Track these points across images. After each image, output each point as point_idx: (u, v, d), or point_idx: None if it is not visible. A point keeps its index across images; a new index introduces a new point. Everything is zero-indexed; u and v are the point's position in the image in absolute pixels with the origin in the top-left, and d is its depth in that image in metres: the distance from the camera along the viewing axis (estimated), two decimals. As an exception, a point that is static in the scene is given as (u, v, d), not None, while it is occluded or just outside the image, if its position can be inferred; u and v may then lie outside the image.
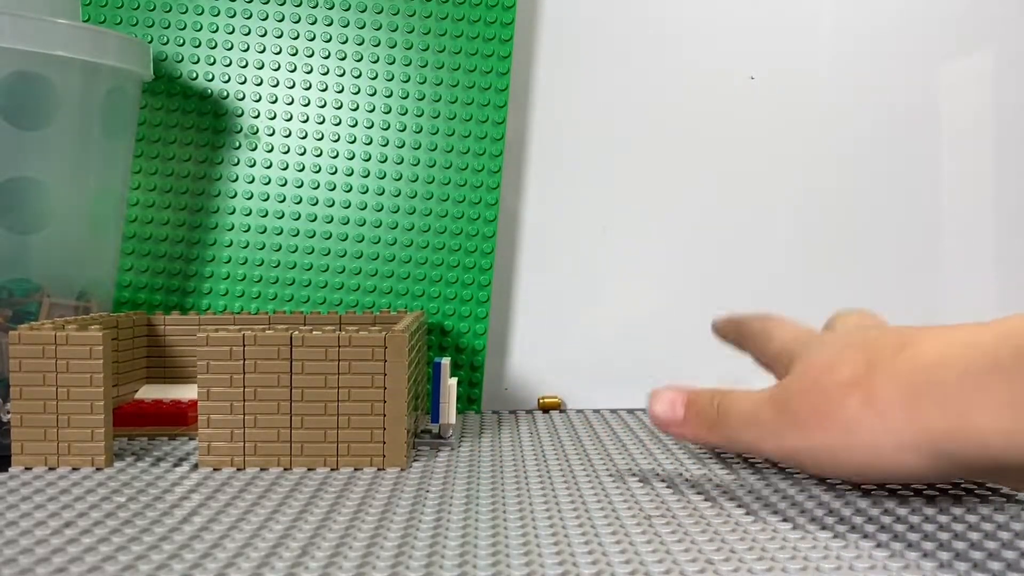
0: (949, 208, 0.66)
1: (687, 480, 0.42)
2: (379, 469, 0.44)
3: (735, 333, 0.48)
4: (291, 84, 0.60)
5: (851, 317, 0.43)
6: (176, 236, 0.60)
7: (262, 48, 0.60)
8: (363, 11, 0.60)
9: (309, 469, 0.44)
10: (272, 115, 0.60)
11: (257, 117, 0.60)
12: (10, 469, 0.43)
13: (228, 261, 0.60)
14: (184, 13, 0.60)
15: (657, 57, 0.65)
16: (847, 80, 0.65)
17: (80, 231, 0.53)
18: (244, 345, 0.44)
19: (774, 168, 0.65)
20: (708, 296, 0.65)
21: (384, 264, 0.60)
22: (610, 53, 0.64)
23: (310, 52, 0.60)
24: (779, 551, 0.32)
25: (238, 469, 0.43)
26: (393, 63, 0.60)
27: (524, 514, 0.37)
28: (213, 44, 0.60)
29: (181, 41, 0.60)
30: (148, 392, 0.54)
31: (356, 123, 0.60)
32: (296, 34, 0.60)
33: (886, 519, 0.36)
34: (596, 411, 0.61)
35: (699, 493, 0.40)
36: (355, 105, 0.60)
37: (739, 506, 0.38)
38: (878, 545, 0.33)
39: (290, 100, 0.60)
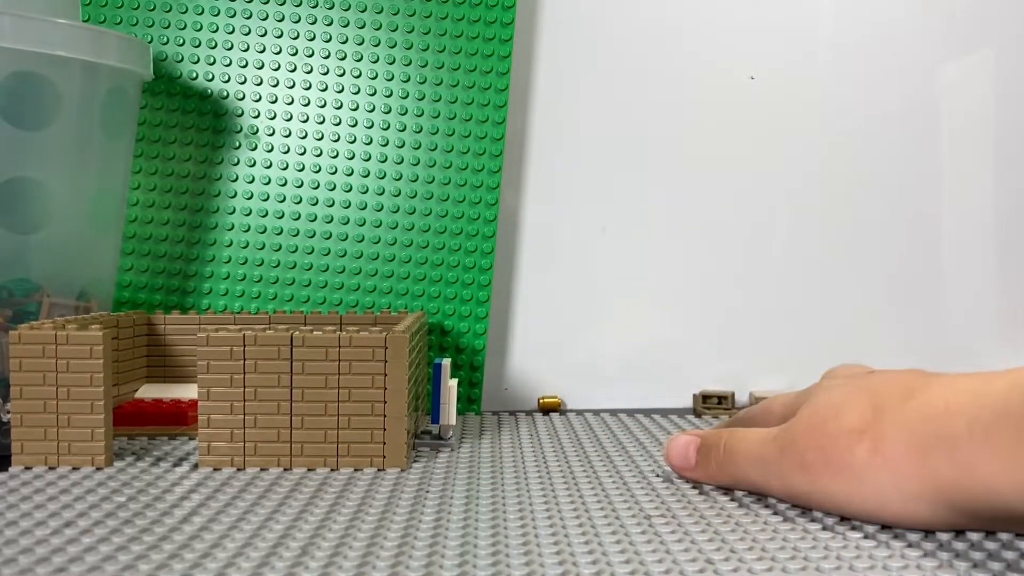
0: (949, 207, 0.66)
1: (687, 480, 0.42)
2: (379, 470, 0.44)
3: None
4: (291, 84, 0.60)
5: (850, 368, 0.43)
6: (176, 236, 0.60)
7: (262, 48, 0.60)
8: (363, 11, 0.60)
9: (309, 469, 0.44)
10: (272, 115, 0.60)
11: (257, 117, 0.60)
12: (10, 469, 0.43)
13: (228, 261, 0.60)
14: (184, 13, 0.60)
15: (657, 57, 0.65)
16: (847, 80, 0.65)
17: (80, 231, 0.52)
18: (244, 345, 0.43)
19: (774, 168, 0.65)
20: (708, 296, 0.65)
21: (384, 264, 0.60)
22: (610, 53, 0.64)
23: (310, 52, 0.60)
24: (779, 551, 0.32)
25: (238, 469, 0.43)
26: (393, 63, 0.60)
27: (524, 514, 0.37)
28: (213, 44, 0.60)
29: (181, 41, 0.60)
30: (148, 392, 0.54)
31: (356, 123, 0.60)
32: (296, 34, 0.60)
33: (886, 519, 0.36)
34: (596, 412, 0.61)
35: (699, 493, 0.40)
36: (355, 105, 0.60)
37: (739, 506, 0.38)
38: (878, 545, 0.33)
39: (290, 100, 0.60)
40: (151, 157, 0.60)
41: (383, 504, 0.38)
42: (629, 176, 0.65)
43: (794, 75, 0.65)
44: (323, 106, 0.60)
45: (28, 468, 0.43)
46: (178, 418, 0.51)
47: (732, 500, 0.39)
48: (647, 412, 0.60)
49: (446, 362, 0.48)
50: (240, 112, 0.60)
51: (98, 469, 0.43)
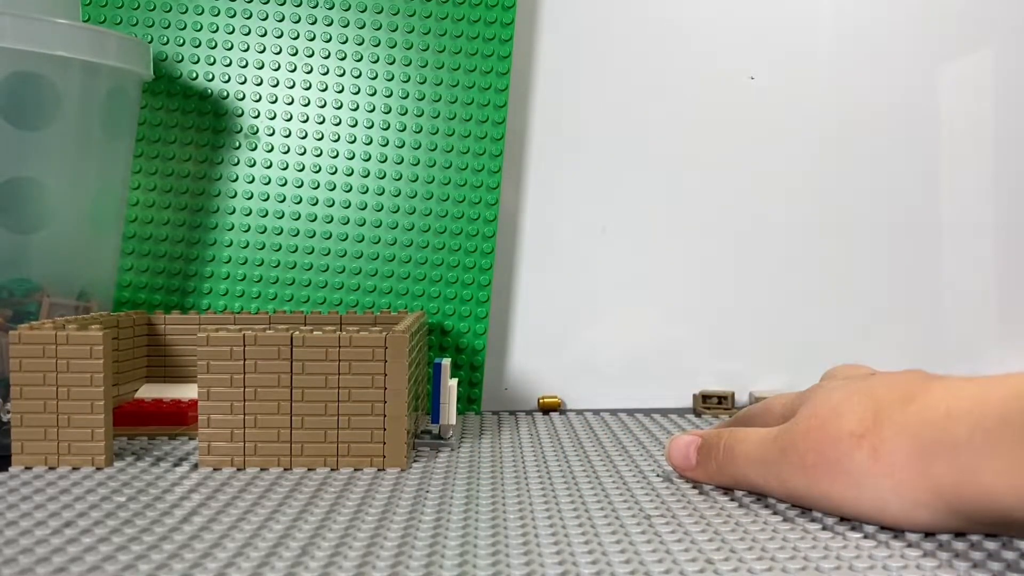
0: (949, 207, 0.66)
1: (687, 480, 0.42)
2: (379, 469, 0.44)
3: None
4: (291, 84, 0.60)
5: (849, 368, 0.43)
6: (176, 236, 0.60)
7: (262, 48, 0.60)
8: (363, 11, 0.60)
9: (309, 469, 0.44)
10: (272, 115, 0.60)
11: (257, 117, 0.60)
12: (10, 469, 0.43)
13: (228, 261, 0.60)
14: (184, 13, 0.60)
15: (657, 57, 0.65)
16: (847, 80, 0.65)
17: (80, 231, 0.53)
18: (244, 345, 0.43)
19: (773, 168, 0.65)
20: (707, 295, 0.65)
21: (384, 264, 0.60)
22: (610, 53, 0.64)
23: (310, 52, 0.60)
24: (779, 551, 0.32)
25: (238, 469, 0.43)
26: (393, 63, 0.60)
27: (524, 514, 0.37)
28: (213, 44, 0.60)
29: (181, 41, 0.60)
30: (148, 392, 0.54)
31: (356, 123, 0.60)
32: (296, 34, 0.60)
33: (886, 519, 0.36)
34: (596, 412, 0.61)
35: (699, 493, 0.40)
36: (355, 105, 0.60)
37: (739, 506, 0.38)
38: (878, 545, 0.33)
39: (290, 100, 0.60)
40: (151, 157, 0.60)
41: (383, 504, 0.38)
42: (629, 176, 0.65)
43: (794, 75, 0.65)
44: (323, 106, 0.60)
45: (28, 468, 0.43)
46: (178, 418, 0.51)
47: (732, 500, 0.39)
48: (647, 412, 0.60)
49: (446, 362, 0.48)
50: (240, 112, 0.60)
51: (98, 469, 0.43)
